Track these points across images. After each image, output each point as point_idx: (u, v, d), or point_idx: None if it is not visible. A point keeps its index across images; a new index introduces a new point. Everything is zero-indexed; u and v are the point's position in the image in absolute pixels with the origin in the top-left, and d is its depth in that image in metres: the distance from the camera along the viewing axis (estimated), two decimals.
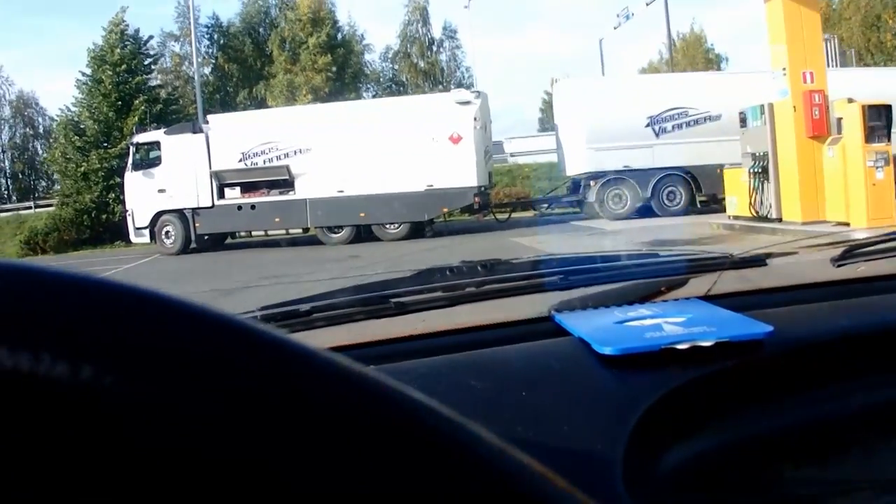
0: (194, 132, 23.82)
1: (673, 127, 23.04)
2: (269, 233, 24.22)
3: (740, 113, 17.35)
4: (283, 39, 47.54)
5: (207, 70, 48.58)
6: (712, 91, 23.16)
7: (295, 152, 22.93)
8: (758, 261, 1.55)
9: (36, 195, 44.76)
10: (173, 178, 23.19)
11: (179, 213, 23.46)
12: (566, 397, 1.01)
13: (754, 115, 16.67)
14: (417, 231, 22.57)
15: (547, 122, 59.51)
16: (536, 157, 36.71)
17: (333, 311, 1.34)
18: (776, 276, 1.55)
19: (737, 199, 17.69)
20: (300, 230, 23.91)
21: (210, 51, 50.12)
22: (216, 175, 23.15)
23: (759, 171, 16.27)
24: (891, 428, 1.15)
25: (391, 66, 54.11)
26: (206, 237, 23.86)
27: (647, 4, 35.53)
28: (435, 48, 52.96)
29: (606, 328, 1.19)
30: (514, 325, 1.34)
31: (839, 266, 1.50)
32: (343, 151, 22.22)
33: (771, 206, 15.93)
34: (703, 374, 1.07)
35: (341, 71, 47.26)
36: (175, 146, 23.40)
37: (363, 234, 22.93)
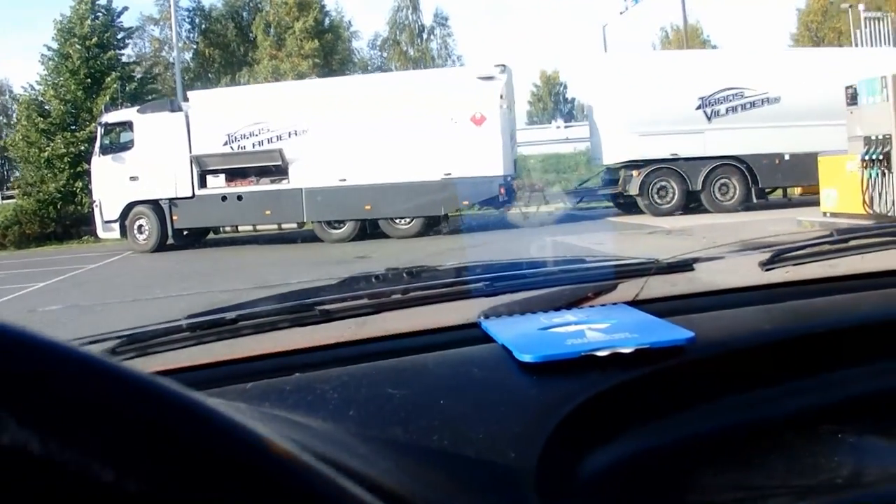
0: (172, 111, 20.15)
1: (727, 110, 19.64)
2: (259, 228, 20.49)
3: (847, 88, 13.73)
4: (268, 24, 44.78)
5: (188, 56, 45.72)
6: (770, 70, 19.82)
7: (289, 134, 19.18)
8: (685, 265, 1.50)
9: (8, 186, 41.12)
10: (147, 163, 19.46)
11: (154, 203, 19.78)
12: (484, 405, 0.98)
13: (870, 90, 13.04)
14: (431, 227, 19.00)
15: (535, 115, 56.61)
16: (538, 147, 33.57)
17: (259, 318, 1.28)
18: (704, 281, 1.49)
19: (837, 192, 14.06)
20: (294, 225, 20.07)
21: (191, 35, 47.24)
22: (197, 160, 19.43)
23: (878, 158, 12.69)
24: (810, 433, 1.11)
25: (380, 53, 51.82)
26: (184, 232, 20.26)
27: None
28: (425, 36, 50.59)
29: (529, 335, 1.16)
30: (441, 332, 1.31)
31: (767, 270, 1.47)
32: (346, 134, 18.49)
33: (894, 203, 12.41)
34: (622, 381, 1.05)
35: (328, 58, 44.04)
36: (150, 127, 19.69)
37: (368, 229, 19.29)
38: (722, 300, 1.40)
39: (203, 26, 46.80)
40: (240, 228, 20.62)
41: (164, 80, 38.73)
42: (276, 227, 20.21)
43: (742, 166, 19.64)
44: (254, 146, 19.39)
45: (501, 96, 18.85)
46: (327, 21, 46.34)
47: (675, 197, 19.60)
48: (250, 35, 45.62)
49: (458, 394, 1.00)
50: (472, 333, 1.23)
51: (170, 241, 19.93)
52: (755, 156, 19.49)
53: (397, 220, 19.05)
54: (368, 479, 0.65)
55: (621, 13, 37.55)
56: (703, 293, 1.45)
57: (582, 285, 1.42)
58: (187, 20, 46.43)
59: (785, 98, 19.41)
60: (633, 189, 19.71)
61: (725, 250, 1.61)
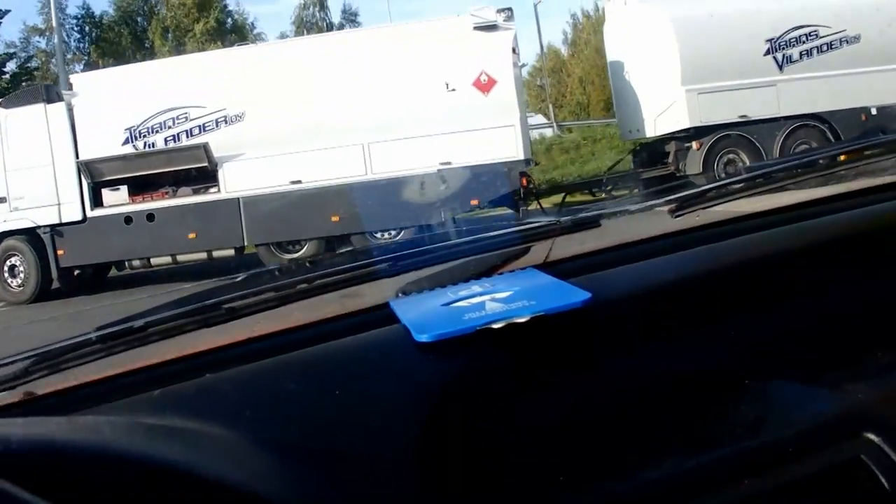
0: (49, 101, 13.75)
1: (800, 54, 14.42)
2: (181, 259, 13.95)
3: None
4: (166, 28, 41.19)
5: (79, 68, 39.62)
6: (846, 3, 14.78)
7: (217, 122, 13.15)
8: (591, 222, 1.40)
9: None
10: (17, 177, 13.39)
11: (30, 234, 13.62)
12: (379, 392, 0.98)
13: None
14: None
15: None
16: None
17: (167, 323, 1.18)
18: (612, 235, 1.41)
19: None
20: (231, 251, 13.80)
21: (82, 45, 42.31)
22: (87, 168, 13.31)
23: None
24: (716, 383, 1.06)
25: None
26: (75, 272, 14.07)
27: None
28: None
29: (431, 312, 1.11)
30: (351, 317, 1.22)
31: (676, 217, 1.37)
32: (297, 117, 12.74)
33: None
34: (518, 352, 1.04)
35: None
36: (19, 126, 13.53)
37: (337, 249, 13.06)
38: (631, 253, 1.32)
39: (95, 34, 41.88)
40: (153, 261, 14.11)
41: None
42: (204, 256, 13.81)
43: (823, 126, 14.48)
44: (167, 142, 13.26)
45: (514, 50, 13.16)
46: (230, 21, 42.85)
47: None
48: (146, 42, 41.36)
49: (355, 383, 1.00)
50: (382, 314, 1.16)
51: (55, 284, 13.77)
52: (837, 112, 14.37)
53: (378, 235, 13.17)
54: (247, 491, 0.65)
55: None
56: (612, 248, 1.37)
57: (490, 254, 1.36)
58: (76, 29, 41.87)
59: (865, 36, 14.50)
60: (693, 166, 14.28)
61: (633, 203, 1.48)
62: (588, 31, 43.00)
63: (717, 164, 14.16)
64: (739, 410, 1.01)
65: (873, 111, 14.52)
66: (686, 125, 14.24)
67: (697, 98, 13.98)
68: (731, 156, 14.25)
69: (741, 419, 1.00)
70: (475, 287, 1.19)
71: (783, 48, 14.22)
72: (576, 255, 1.35)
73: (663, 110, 14.55)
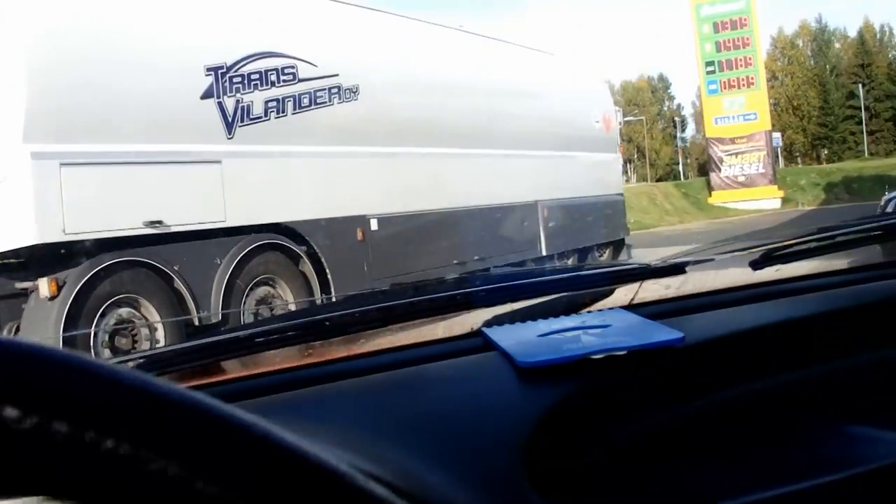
0: None
1: (267, 107, 7.56)
2: None
3: None
4: None
5: None
6: (339, 33, 8.79)
7: None
8: (677, 268, 1.51)
9: None
10: None
11: None
12: (486, 411, 1.00)
13: None
14: None
15: None
16: None
17: (273, 335, 1.29)
18: (696, 282, 1.51)
19: None
20: None
21: None
22: None
23: None
24: (798, 421, 1.14)
25: None
26: None
27: None
28: None
29: (529, 341, 1.17)
30: (447, 342, 1.29)
31: (757, 269, 1.46)
32: None
33: None
34: (616, 381, 1.07)
35: None
36: None
37: None
38: (713, 300, 1.40)
39: None
40: None
41: None
42: None
43: (300, 249, 7.89)
44: None
45: None
46: None
47: (157, 342, 6.68)
48: None
49: (463, 402, 1.02)
50: (475, 342, 1.22)
51: None
52: (320, 223, 8.08)
53: None
54: (386, 481, 0.67)
55: None
56: (696, 294, 1.46)
57: (579, 292, 1.45)
58: None
59: (365, 91, 8.53)
60: (38, 327, 6.06)
61: (717, 252, 1.60)
62: None
63: (99, 331, 6.27)
64: (821, 447, 1.06)
65: (374, 225, 8.56)
66: (29, 241, 6.14)
67: (61, 176, 6.13)
68: (125, 309, 6.55)
69: (821, 455, 1.04)
70: (567, 322, 1.24)
71: (237, 88, 7.27)
72: (662, 299, 1.41)
73: None
